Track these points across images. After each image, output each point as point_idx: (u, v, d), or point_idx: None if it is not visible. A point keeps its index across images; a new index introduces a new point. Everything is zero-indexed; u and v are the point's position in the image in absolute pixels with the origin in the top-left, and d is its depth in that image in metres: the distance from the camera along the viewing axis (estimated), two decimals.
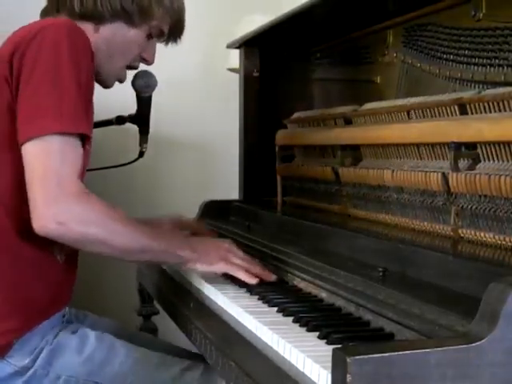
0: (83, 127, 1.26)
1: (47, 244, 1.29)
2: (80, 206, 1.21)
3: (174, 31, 1.55)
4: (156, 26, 1.50)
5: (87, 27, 1.42)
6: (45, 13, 1.51)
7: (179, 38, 1.58)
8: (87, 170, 1.57)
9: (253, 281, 1.34)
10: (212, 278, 1.41)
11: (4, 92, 1.26)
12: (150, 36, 1.51)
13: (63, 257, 1.40)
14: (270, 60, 2.16)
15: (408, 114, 1.44)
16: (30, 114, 1.23)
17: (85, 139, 1.28)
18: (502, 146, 1.17)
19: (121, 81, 1.56)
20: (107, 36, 1.45)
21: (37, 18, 1.52)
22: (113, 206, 1.29)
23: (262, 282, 1.36)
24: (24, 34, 1.28)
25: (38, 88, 1.23)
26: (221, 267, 1.37)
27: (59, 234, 1.21)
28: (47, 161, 1.20)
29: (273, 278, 1.38)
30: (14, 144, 1.25)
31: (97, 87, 1.51)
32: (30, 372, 1.33)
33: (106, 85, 1.54)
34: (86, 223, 1.22)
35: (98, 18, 1.44)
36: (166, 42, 1.57)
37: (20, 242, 1.31)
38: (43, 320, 1.37)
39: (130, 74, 1.65)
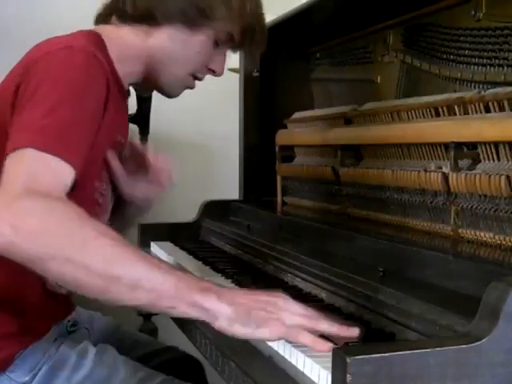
0: (67, 153, 1.07)
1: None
2: (43, 211, 0.97)
3: (245, 37, 1.34)
4: (222, 30, 1.31)
5: (138, 31, 1.31)
6: (98, 18, 1.38)
7: (255, 46, 1.38)
8: None
9: (326, 348, 0.89)
10: (211, 278, 1.41)
11: (6, 116, 1.16)
12: (216, 43, 1.33)
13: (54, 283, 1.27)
14: (270, 60, 2.16)
15: (408, 113, 1.44)
16: (14, 131, 1.10)
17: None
18: (502, 146, 1.17)
19: (190, 88, 1.40)
20: (163, 41, 1.31)
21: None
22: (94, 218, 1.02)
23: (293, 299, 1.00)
24: (35, 57, 1.18)
25: (30, 109, 1.11)
26: (275, 332, 0.93)
27: (8, 242, 0.95)
28: (15, 168, 1.04)
29: (356, 332, 0.93)
30: None
31: None
32: None
33: (170, 95, 1.40)
34: (47, 231, 0.95)
35: (151, 20, 1.29)
36: (238, 49, 1.40)
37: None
38: (43, 334, 1.31)
39: None
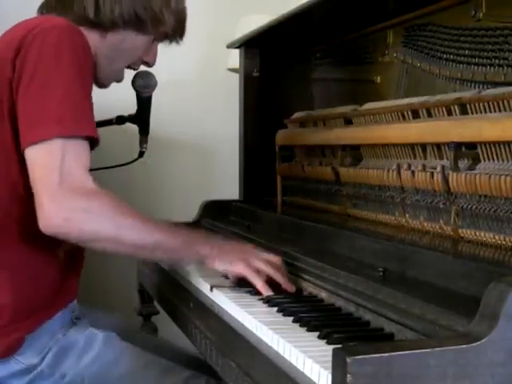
0: (87, 129, 1.23)
1: (47, 242, 1.26)
2: (85, 201, 1.17)
3: (176, 32, 1.53)
4: (162, 32, 1.49)
5: (93, 34, 1.41)
6: (44, 9, 1.46)
7: (181, 38, 1.56)
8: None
9: (268, 292, 1.22)
10: (212, 278, 1.41)
11: (6, 93, 1.25)
12: (154, 40, 1.50)
13: (62, 253, 1.38)
14: (270, 60, 2.16)
15: (408, 113, 1.44)
16: (31, 118, 1.22)
17: (93, 140, 1.26)
18: (501, 146, 1.17)
19: (118, 81, 1.55)
20: (114, 42, 1.44)
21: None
22: (123, 201, 1.23)
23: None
24: (25, 35, 1.25)
25: (39, 92, 1.22)
26: (240, 268, 1.26)
27: (65, 232, 1.17)
28: (48, 161, 1.18)
29: (292, 289, 1.26)
30: (6, 145, 1.26)
31: (95, 88, 1.51)
32: (37, 370, 1.32)
33: (103, 85, 1.52)
34: (93, 219, 1.18)
35: (109, 26, 1.42)
36: (169, 42, 1.56)
37: (19, 242, 1.30)
38: (51, 315, 1.36)
39: (130, 74, 1.65)
